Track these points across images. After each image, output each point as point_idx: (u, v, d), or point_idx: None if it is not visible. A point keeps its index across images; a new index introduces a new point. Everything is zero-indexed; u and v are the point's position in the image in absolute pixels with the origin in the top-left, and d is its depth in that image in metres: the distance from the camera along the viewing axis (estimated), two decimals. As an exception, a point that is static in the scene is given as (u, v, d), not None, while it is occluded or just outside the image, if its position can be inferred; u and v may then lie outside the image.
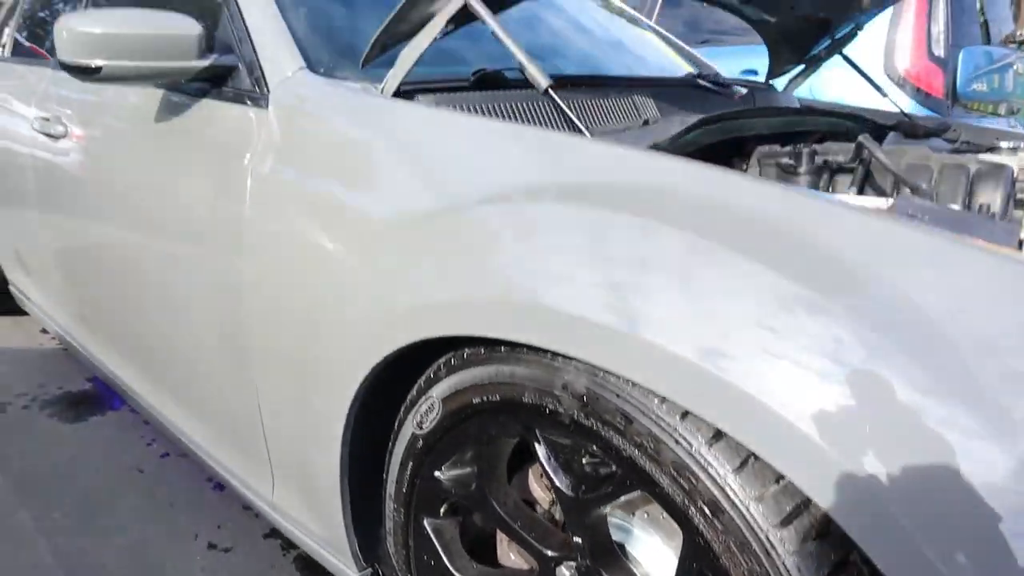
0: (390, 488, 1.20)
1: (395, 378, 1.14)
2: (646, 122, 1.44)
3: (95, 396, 2.48)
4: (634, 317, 0.78)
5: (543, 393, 0.91)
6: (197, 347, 1.55)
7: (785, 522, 0.73)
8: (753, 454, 0.75)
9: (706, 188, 0.85)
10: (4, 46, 2.84)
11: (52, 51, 2.50)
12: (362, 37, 1.56)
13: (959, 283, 0.71)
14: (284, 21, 1.42)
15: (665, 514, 0.86)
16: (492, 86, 1.38)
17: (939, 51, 3.08)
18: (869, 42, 2.97)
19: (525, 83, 1.38)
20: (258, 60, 1.39)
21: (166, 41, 1.39)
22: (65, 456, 2.13)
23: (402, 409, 1.15)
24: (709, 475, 0.76)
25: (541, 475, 1.12)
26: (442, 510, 1.16)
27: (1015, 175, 1.40)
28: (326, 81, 1.29)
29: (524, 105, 1.33)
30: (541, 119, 1.36)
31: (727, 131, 1.46)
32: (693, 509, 0.78)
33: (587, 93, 1.44)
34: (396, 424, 1.17)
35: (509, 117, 1.30)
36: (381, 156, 1.13)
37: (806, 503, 0.73)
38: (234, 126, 1.38)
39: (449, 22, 1.20)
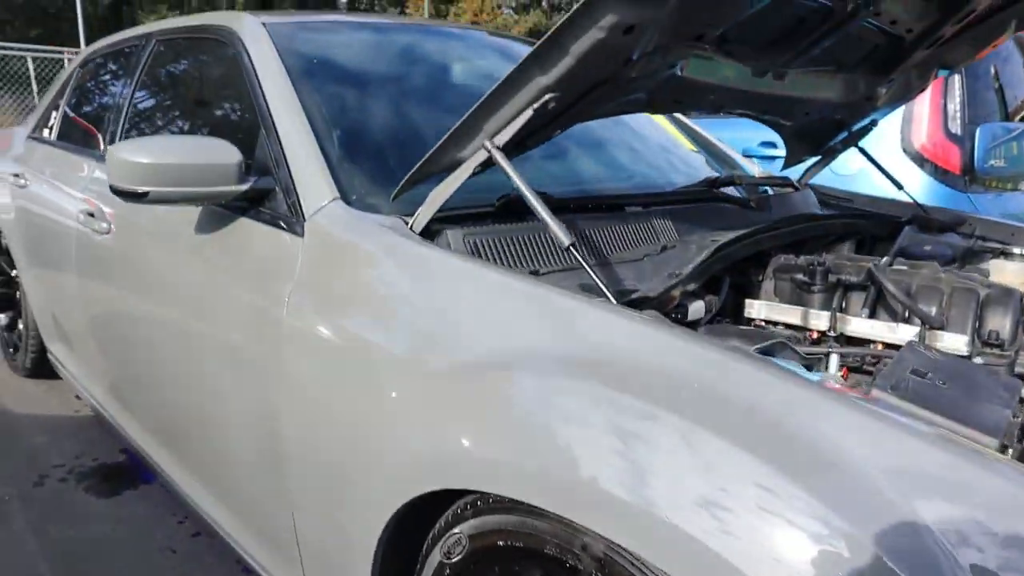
0: None
1: (423, 504, 1.20)
2: (664, 248, 1.50)
3: (128, 469, 2.56)
4: (641, 499, 0.84)
5: (564, 549, 0.96)
6: (233, 446, 1.61)
7: None
8: None
9: (707, 372, 0.92)
10: (52, 128, 2.96)
11: (98, 123, 2.62)
12: (391, 164, 1.65)
13: (918, 471, 0.80)
14: (320, 149, 1.50)
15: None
16: (516, 209, 1.44)
17: (955, 128, 3.13)
18: (886, 118, 3.02)
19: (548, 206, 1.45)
20: (294, 187, 1.47)
21: (207, 169, 1.48)
22: (101, 533, 2.20)
23: (430, 537, 1.20)
24: None
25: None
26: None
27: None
28: (359, 216, 1.36)
29: (547, 235, 1.39)
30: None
31: (743, 251, 1.52)
32: None
33: (607, 220, 1.51)
34: (424, 549, 1.22)
35: (534, 247, 1.36)
36: (411, 303, 1.20)
37: None
38: (272, 250, 1.46)
39: (477, 167, 1.28)
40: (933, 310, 1.42)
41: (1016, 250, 1.83)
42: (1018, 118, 3.84)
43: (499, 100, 1.19)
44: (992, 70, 3.71)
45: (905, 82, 2.00)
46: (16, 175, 2.92)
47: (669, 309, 1.31)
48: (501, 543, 1.05)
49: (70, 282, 2.44)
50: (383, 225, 1.33)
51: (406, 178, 1.33)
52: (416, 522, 1.22)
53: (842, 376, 1.39)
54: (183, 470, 1.96)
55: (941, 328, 1.38)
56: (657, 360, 0.95)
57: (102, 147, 2.42)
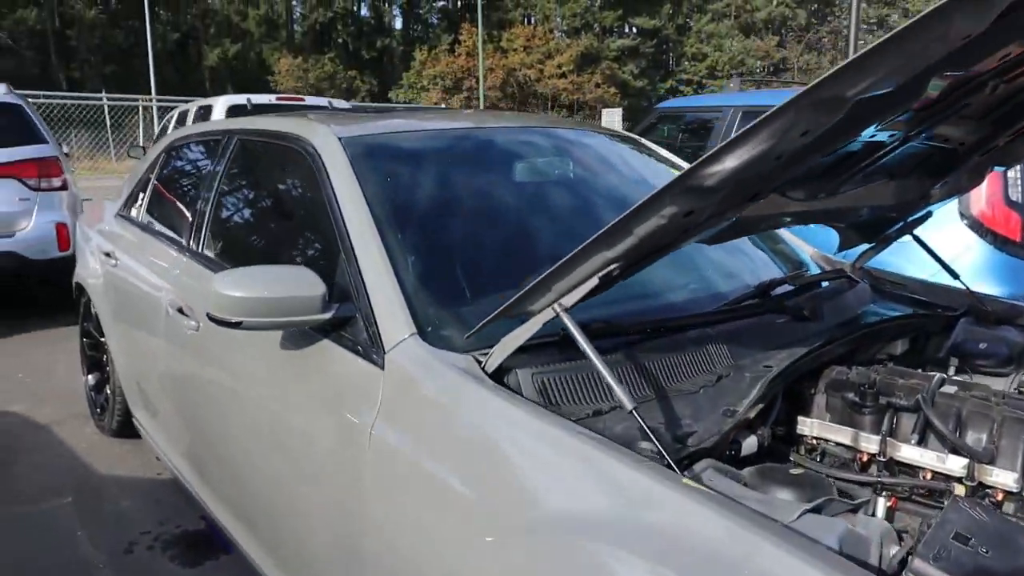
0: None
1: None
2: (719, 378, 1.58)
3: (209, 537, 2.71)
4: None
5: None
6: (310, 539, 1.72)
7: None
8: None
9: (741, 548, 1.00)
10: (139, 208, 3.17)
11: (183, 214, 2.79)
12: (466, 292, 1.77)
13: None
14: (398, 280, 1.62)
15: None
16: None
17: (1016, 195, 3.12)
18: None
19: (607, 333, 1.54)
20: (374, 318, 1.60)
21: (295, 300, 1.62)
22: (187, 606, 2.35)
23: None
24: None
25: None
26: None
27: None
28: (435, 355, 1.48)
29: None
30: (623, 374, 1.50)
31: (796, 373, 1.59)
32: None
33: (664, 347, 1.59)
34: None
35: (598, 384, 1.45)
36: (481, 451, 1.32)
37: None
38: (354, 376, 1.59)
39: (546, 322, 1.38)
40: (983, 439, 1.46)
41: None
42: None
43: (569, 267, 1.29)
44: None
45: (957, 183, 2.04)
46: (107, 254, 3.13)
47: (723, 448, 1.39)
48: None
49: (156, 361, 2.61)
50: (457, 366, 1.44)
51: (481, 324, 1.44)
52: None
53: (891, 506, 1.45)
54: (260, 549, 2.07)
55: (990, 462, 1.42)
56: (703, 533, 1.03)
57: (188, 239, 2.59)
